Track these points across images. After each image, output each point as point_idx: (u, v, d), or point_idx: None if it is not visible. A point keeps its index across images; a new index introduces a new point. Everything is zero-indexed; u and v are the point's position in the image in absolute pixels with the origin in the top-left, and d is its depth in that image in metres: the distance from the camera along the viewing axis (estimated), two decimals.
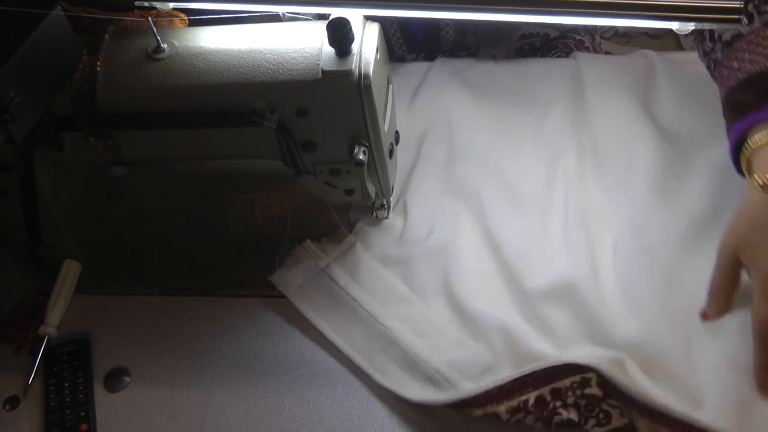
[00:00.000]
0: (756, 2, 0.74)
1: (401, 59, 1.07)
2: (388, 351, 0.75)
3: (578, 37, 1.09)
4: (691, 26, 0.63)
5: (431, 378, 0.72)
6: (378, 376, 0.74)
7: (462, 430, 0.71)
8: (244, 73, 0.67)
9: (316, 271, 0.81)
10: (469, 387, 0.70)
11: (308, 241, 0.83)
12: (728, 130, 0.74)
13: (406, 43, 1.06)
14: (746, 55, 0.74)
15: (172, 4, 0.70)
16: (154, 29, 0.68)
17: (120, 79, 0.69)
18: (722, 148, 0.76)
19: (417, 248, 0.82)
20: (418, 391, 0.72)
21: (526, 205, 0.85)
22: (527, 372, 0.68)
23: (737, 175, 0.74)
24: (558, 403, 0.67)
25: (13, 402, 0.77)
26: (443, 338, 0.75)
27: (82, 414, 0.75)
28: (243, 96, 0.67)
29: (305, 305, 0.79)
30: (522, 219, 0.83)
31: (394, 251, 0.82)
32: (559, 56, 1.06)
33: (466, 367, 0.73)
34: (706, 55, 0.84)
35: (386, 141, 0.73)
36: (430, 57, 1.05)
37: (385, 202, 0.85)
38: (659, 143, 0.86)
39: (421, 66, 1.03)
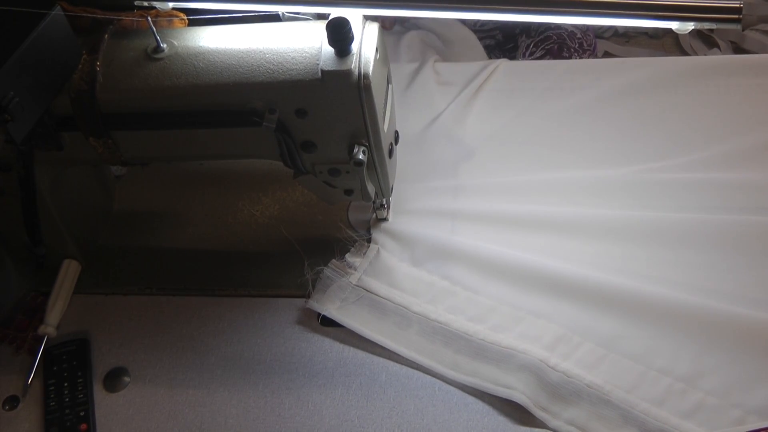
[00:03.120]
0: None
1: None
2: (450, 345, 0.75)
3: (570, 28, 1.09)
4: (690, 26, 0.63)
5: (505, 357, 0.72)
6: (452, 374, 0.73)
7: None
8: (244, 73, 0.67)
9: (350, 288, 0.80)
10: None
11: (333, 261, 0.82)
12: None
13: None
14: None
15: (171, 4, 0.71)
16: (154, 29, 0.68)
17: (119, 78, 0.69)
18: None
19: (444, 242, 0.82)
20: (511, 382, 0.71)
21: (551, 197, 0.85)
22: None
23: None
24: None
25: (12, 402, 0.77)
26: (501, 317, 0.76)
27: (82, 414, 0.75)
28: (242, 96, 0.67)
29: (354, 323, 0.78)
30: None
31: (421, 250, 0.82)
32: (551, 47, 1.07)
33: (536, 339, 0.73)
34: None
35: (386, 141, 0.73)
36: None
37: (384, 202, 0.85)
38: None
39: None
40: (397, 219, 0.86)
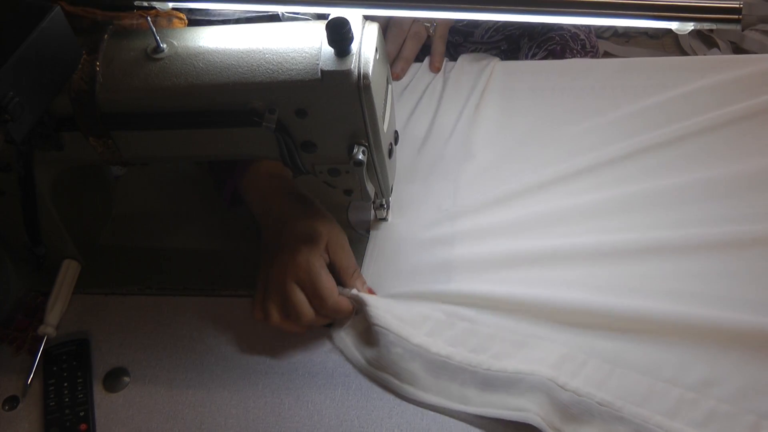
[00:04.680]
0: None
1: None
2: (456, 379, 0.73)
3: (573, 30, 1.09)
4: (690, 26, 0.63)
5: (513, 382, 0.71)
6: (462, 408, 0.71)
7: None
8: (244, 73, 0.67)
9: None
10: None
11: None
12: None
13: None
14: None
15: (171, 4, 0.70)
16: (154, 29, 0.68)
17: (119, 79, 0.69)
18: None
19: (440, 276, 0.80)
20: (523, 404, 0.69)
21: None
22: None
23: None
24: None
25: (12, 402, 0.77)
26: (502, 344, 0.74)
27: (82, 414, 0.75)
28: (242, 96, 0.67)
29: (358, 356, 0.77)
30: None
31: (417, 282, 0.81)
32: (554, 48, 1.07)
33: (541, 360, 0.72)
34: None
35: (385, 141, 0.73)
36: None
37: (384, 202, 0.85)
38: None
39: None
40: (389, 247, 0.84)
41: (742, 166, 0.85)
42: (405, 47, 1.04)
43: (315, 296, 0.75)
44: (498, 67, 1.02)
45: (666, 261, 0.78)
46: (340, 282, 0.78)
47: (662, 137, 0.88)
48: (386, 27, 1.03)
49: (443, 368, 0.73)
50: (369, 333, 0.76)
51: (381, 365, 0.74)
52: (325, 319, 0.77)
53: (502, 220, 0.84)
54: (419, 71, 1.04)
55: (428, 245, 0.83)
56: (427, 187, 0.89)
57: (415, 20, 1.03)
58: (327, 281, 0.75)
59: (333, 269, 0.78)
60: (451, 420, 0.71)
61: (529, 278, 0.78)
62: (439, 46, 1.04)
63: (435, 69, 1.03)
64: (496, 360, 0.73)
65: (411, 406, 0.73)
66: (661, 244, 0.79)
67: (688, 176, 0.85)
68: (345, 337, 0.78)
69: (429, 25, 1.03)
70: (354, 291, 0.77)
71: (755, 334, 0.71)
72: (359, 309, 0.77)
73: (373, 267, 0.83)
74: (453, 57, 1.06)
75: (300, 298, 0.75)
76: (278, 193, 0.82)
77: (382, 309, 0.76)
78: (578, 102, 0.95)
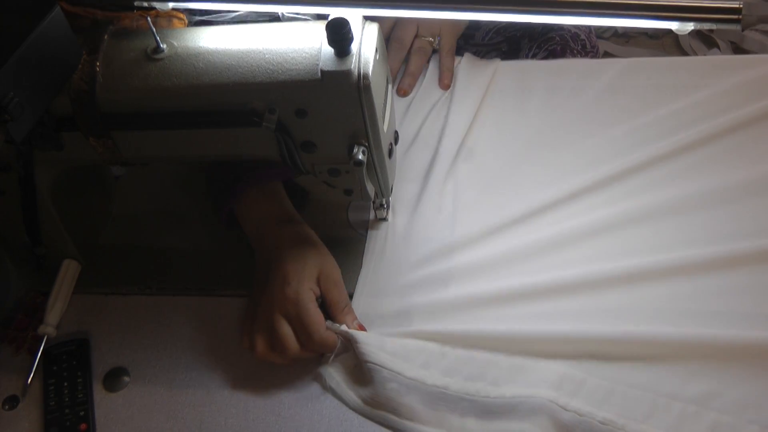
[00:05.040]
0: None
1: None
2: (455, 410, 0.71)
3: (573, 30, 1.09)
4: (690, 26, 0.63)
5: (513, 407, 0.69)
6: None
7: None
8: (244, 73, 0.67)
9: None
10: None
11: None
12: None
13: None
14: None
15: (171, 4, 0.71)
16: (153, 29, 0.68)
17: (119, 79, 0.69)
18: None
19: (434, 306, 0.79)
20: (526, 428, 0.68)
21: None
22: None
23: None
24: None
25: (12, 402, 0.77)
26: (499, 370, 0.73)
27: (81, 414, 0.75)
28: (242, 96, 0.67)
29: (353, 396, 0.74)
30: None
31: (411, 310, 0.79)
32: (554, 48, 1.07)
33: (539, 382, 0.71)
34: None
35: (385, 141, 0.73)
36: None
37: (384, 202, 0.85)
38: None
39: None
40: (383, 264, 0.83)
41: (743, 175, 0.84)
42: (411, 62, 1.01)
43: (301, 330, 0.73)
44: (502, 67, 1.01)
45: (663, 283, 0.77)
46: (330, 316, 0.76)
47: (665, 148, 0.87)
48: (387, 41, 1.01)
49: (441, 399, 0.71)
50: (360, 371, 0.74)
51: (377, 403, 0.72)
52: (311, 353, 0.75)
53: (498, 253, 0.81)
54: (424, 82, 1.02)
55: (423, 283, 0.80)
56: (427, 188, 0.89)
57: (417, 35, 1.02)
58: (314, 316, 0.73)
59: (324, 302, 0.77)
60: None
61: (525, 313, 0.77)
62: (447, 62, 1.01)
63: (444, 86, 0.99)
64: (493, 386, 0.71)
65: None
66: (654, 267, 0.77)
67: (682, 191, 0.84)
68: (336, 376, 0.75)
69: (432, 39, 1.02)
70: (343, 327, 0.75)
71: (754, 346, 0.70)
72: (349, 347, 0.75)
73: (371, 275, 0.83)
74: None
75: (286, 331, 0.73)
76: (272, 221, 0.81)
77: (374, 345, 0.73)
78: (585, 108, 0.95)
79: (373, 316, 0.79)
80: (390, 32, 1.02)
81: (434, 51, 1.03)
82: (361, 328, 0.77)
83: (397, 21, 1.01)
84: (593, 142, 0.90)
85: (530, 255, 0.81)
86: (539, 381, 0.71)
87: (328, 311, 0.76)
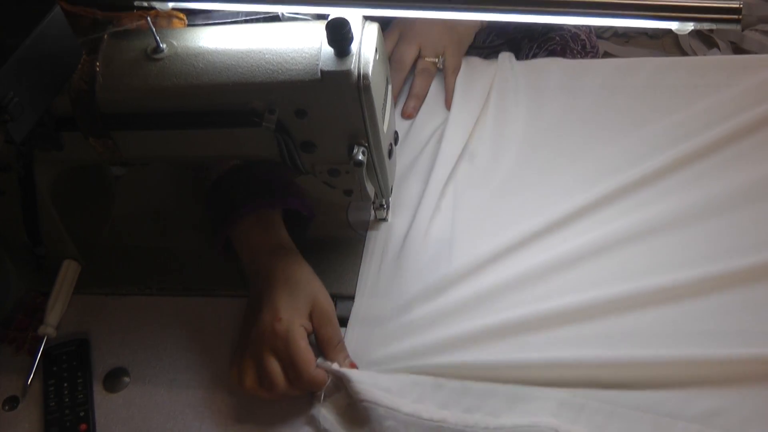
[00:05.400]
0: None
1: None
2: None
3: (573, 30, 1.09)
4: (690, 26, 0.63)
5: None
6: None
7: None
8: (243, 73, 0.67)
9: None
10: None
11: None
12: None
13: None
14: None
15: (171, 4, 0.71)
16: (153, 29, 0.68)
17: (119, 79, 0.69)
18: None
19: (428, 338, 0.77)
20: None
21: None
22: None
23: None
24: None
25: (12, 402, 0.78)
26: (497, 400, 0.71)
27: (82, 414, 0.75)
28: (242, 96, 0.67)
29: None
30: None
31: (420, 358, 0.75)
32: (554, 48, 1.07)
33: (539, 410, 0.69)
34: None
35: (385, 141, 0.73)
36: None
37: (384, 203, 0.85)
38: None
39: None
40: (378, 300, 0.81)
41: (740, 182, 0.83)
42: (415, 84, 0.98)
43: (291, 368, 0.71)
44: (507, 67, 1.00)
45: (659, 305, 0.75)
46: (322, 352, 0.74)
47: (661, 163, 0.85)
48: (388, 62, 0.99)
49: None
50: (355, 409, 0.72)
51: None
52: (300, 391, 0.73)
53: (493, 284, 0.79)
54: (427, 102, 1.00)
55: (418, 320, 0.78)
56: (427, 189, 0.88)
57: (420, 56, 0.99)
58: (304, 354, 0.71)
59: (316, 338, 0.75)
60: None
61: (522, 343, 0.75)
62: (452, 83, 0.98)
63: (450, 107, 0.97)
64: (493, 417, 0.70)
65: None
66: (650, 290, 0.76)
67: (676, 206, 0.82)
68: (330, 417, 0.73)
69: (437, 60, 0.99)
70: (335, 366, 0.73)
71: (756, 363, 0.69)
72: (340, 385, 0.73)
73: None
74: None
75: (274, 368, 0.72)
76: (266, 251, 0.79)
77: (367, 383, 0.71)
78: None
79: (366, 361, 0.76)
80: (391, 53, 0.99)
81: (438, 70, 1.00)
82: (353, 366, 0.74)
83: (398, 41, 1.00)
84: (583, 164, 0.88)
85: (525, 282, 0.79)
86: (539, 409, 0.69)
87: (320, 348, 0.75)
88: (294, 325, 0.72)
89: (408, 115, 0.97)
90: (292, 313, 0.73)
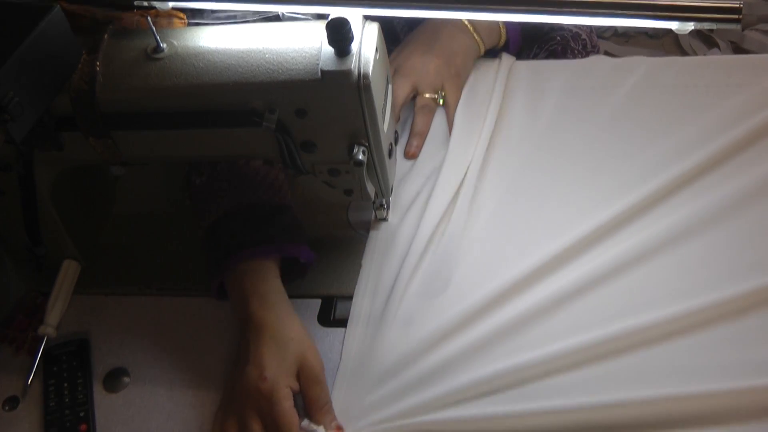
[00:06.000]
0: None
1: None
2: None
3: (574, 30, 1.09)
4: (690, 26, 0.63)
5: None
6: None
7: None
8: (244, 73, 0.67)
9: None
10: None
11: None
12: None
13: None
14: None
15: (171, 4, 0.71)
16: (154, 29, 0.68)
17: (119, 78, 0.69)
18: None
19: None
20: None
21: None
22: None
23: None
24: None
25: (12, 402, 0.77)
26: None
27: (82, 414, 0.75)
28: (242, 96, 0.67)
29: None
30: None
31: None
32: (555, 48, 1.07)
33: None
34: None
35: (386, 141, 0.73)
36: None
37: (384, 202, 0.85)
38: None
39: None
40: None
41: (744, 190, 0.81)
42: (417, 122, 0.95)
43: (273, 428, 0.69)
44: (509, 68, 1.00)
45: (665, 341, 0.72)
46: (308, 413, 0.72)
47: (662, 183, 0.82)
48: None
49: None
50: None
51: None
52: None
53: (489, 332, 0.75)
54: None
55: (409, 383, 0.74)
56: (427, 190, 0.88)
57: (418, 93, 0.95)
58: (288, 416, 0.69)
59: (303, 398, 0.72)
60: None
61: (518, 394, 0.71)
62: (452, 117, 0.95)
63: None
64: None
65: None
66: (653, 324, 0.72)
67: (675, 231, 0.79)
68: None
69: (436, 95, 0.96)
70: (320, 429, 0.71)
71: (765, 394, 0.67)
72: None
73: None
74: None
75: (256, 429, 0.70)
76: (257, 301, 0.75)
77: None
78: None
79: (353, 411, 0.73)
80: None
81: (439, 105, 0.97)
82: (339, 429, 0.71)
83: (393, 77, 0.95)
84: (585, 192, 0.85)
85: (526, 325, 0.75)
86: None
87: (306, 408, 0.72)
88: (279, 385, 0.70)
89: (411, 155, 0.93)
90: (279, 372, 0.71)
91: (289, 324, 0.74)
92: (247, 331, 0.75)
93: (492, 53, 1.03)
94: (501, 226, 0.84)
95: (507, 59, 1.01)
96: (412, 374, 0.74)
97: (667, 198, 0.82)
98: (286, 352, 0.72)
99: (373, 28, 0.68)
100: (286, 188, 0.84)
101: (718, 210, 0.80)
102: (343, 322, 0.79)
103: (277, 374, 0.70)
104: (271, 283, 0.77)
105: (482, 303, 0.77)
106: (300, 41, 0.67)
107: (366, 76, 0.65)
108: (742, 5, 0.60)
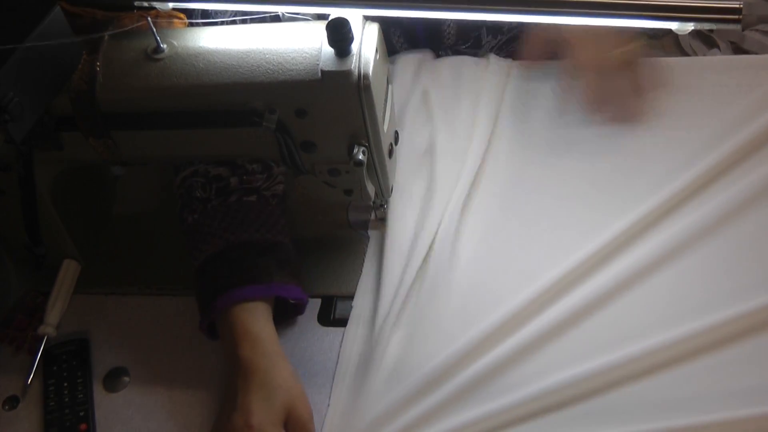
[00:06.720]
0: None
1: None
2: None
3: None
4: (690, 26, 0.63)
5: None
6: None
7: None
8: (244, 73, 0.67)
9: None
10: None
11: None
12: None
13: (406, 41, 1.06)
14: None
15: (171, 5, 0.71)
16: (154, 29, 0.68)
17: (119, 79, 0.69)
18: None
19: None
20: None
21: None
22: None
23: None
24: None
25: (12, 402, 0.78)
26: None
27: (81, 414, 0.75)
28: (242, 96, 0.67)
29: None
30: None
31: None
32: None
33: None
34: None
35: (386, 141, 0.73)
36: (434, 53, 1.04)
37: (384, 202, 0.85)
38: None
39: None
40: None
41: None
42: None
43: None
44: (497, 69, 1.00)
45: (675, 367, 0.70)
46: None
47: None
48: None
49: None
50: None
51: None
52: None
53: (490, 366, 0.72)
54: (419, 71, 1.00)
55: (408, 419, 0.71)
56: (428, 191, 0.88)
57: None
58: None
59: None
60: None
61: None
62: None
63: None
64: None
65: None
66: (659, 349, 0.70)
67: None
68: None
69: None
70: None
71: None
72: None
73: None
74: None
75: None
76: (248, 344, 0.73)
77: None
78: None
79: (352, 419, 0.72)
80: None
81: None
82: None
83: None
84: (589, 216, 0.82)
85: (533, 353, 0.73)
86: None
87: None
88: None
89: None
90: (265, 420, 0.69)
91: (279, 370, 0.72)
92: (235, 375, 0.72)
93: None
94: (490, 251, 0.82)
95: (495, 60, 0.99)
96: (411, 384, 0.72)
97: (664, 218, 0.79)
98: (275, 400, 0.70)
99: (373, 29, 0.68)
100: (282, 224, 0.81)
101: (718, 225, 0.78)
102: (343, 322, 0.79)
103: (263, 423, 0.68)
104: (262, 325, 0.75)
105: (470, 345, 0.74)
106: (300, 41, 0.67)
107: (366, 77, 0.65)
108: (742, 5, 0.60)
